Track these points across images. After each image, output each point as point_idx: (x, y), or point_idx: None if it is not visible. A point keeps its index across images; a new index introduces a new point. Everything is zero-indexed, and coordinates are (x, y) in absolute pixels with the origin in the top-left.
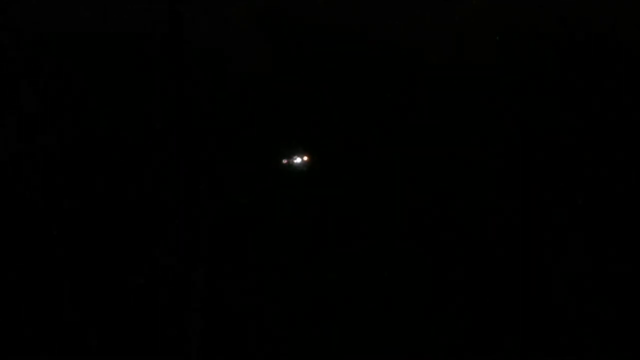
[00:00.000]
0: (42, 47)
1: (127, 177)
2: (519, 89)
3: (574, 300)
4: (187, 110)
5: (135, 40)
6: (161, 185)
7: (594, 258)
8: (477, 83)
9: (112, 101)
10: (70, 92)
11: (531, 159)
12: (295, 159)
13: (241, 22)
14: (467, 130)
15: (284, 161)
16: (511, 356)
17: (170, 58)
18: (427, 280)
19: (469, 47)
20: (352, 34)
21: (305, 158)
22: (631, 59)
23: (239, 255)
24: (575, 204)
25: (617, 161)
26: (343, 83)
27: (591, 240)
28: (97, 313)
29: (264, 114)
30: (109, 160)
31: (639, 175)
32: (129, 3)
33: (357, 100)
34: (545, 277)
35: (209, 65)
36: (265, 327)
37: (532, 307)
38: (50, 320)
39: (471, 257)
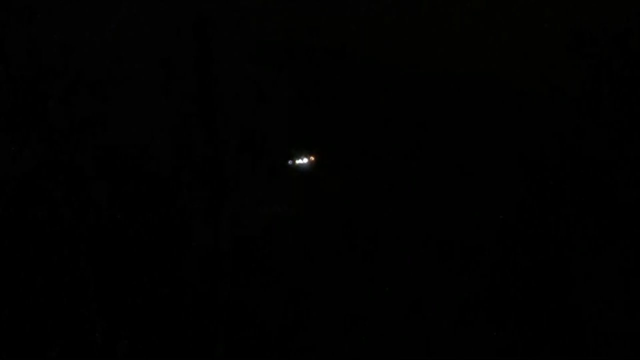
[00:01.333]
0: (65, 61)
1: (151, 190)
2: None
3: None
4: (213, 125)
5: (162, 55)
6: (185, 197)
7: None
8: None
9: (137, 115)
10: (96, 104)
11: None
12: (302, 159)
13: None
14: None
15: (290, 162)
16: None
17: (198, 76)
18: (433, 281)
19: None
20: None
21: (312, 158)
22: None
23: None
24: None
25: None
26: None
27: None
28: (123, 326)
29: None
30: (134, 175)
31: None
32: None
33: (365, 106)
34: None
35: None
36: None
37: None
38: (80, 335)
39: (475, 260)
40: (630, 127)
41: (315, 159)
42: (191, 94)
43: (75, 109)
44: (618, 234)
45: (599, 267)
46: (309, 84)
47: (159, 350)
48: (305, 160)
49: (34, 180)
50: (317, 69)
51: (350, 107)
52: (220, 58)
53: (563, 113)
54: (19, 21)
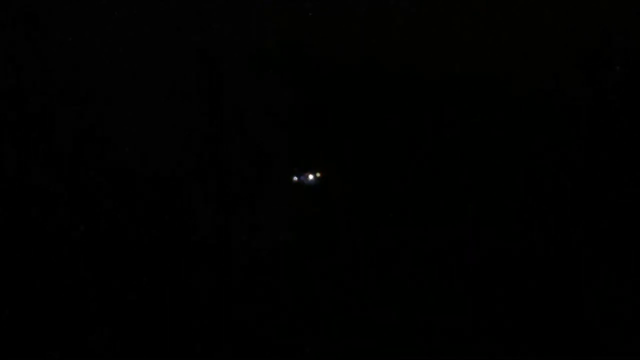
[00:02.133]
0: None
1: (161, 206)
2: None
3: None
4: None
5: (169, 72)
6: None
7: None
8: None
9: (145, 132)
10: (104, 121)
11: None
12: (308, 175)
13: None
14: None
15: (295, 179)
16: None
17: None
18: (443, 292)
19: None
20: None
21: (318, 175)
22: None
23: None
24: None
25: None
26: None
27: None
28: (133, 342)
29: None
30: (143, 191)
31: None
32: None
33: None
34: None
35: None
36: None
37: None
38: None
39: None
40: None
41: (322, 174)
42: (198, 109)
43: (82, 122)
44: (623, 236)
45: (607, 270)
46: (311, 92)
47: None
48: (311, 177)
49: (43, 189)
50: (320, 76)
51: (357, 117)
52: (224, 70)
53: (565, 114)
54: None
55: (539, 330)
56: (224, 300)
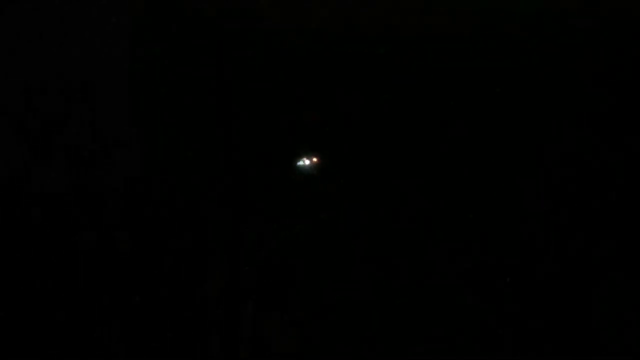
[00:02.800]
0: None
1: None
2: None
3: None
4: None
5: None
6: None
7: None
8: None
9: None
10: (121, 133)
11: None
12: (304, 160)
13: None
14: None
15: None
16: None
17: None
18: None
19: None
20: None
21: (314, 159)
22: None
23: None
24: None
25: None
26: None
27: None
28: (149, 346)
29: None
30: (157, 198)
31: None
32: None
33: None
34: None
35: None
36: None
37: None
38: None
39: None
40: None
41: (318, 160)
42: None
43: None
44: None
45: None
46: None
47: None
48: (306, 162)
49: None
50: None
51: (354, 100)
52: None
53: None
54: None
55: (545, 333)
56: (235, 301)
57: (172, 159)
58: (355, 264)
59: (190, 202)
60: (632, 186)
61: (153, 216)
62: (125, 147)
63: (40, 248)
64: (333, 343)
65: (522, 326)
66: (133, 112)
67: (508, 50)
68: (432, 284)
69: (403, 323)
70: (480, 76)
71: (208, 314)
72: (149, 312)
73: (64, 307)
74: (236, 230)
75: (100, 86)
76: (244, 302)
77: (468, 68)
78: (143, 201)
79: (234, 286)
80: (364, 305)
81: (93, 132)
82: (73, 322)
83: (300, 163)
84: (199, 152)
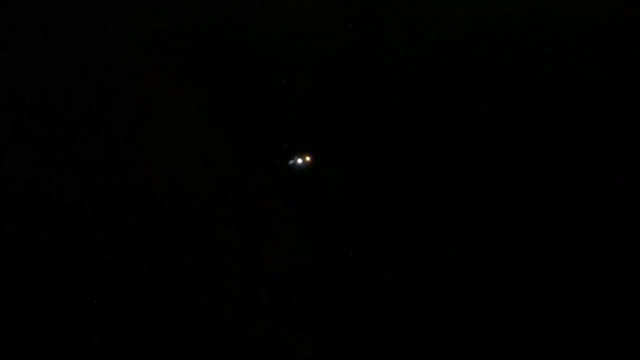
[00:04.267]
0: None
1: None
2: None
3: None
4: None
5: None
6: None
7: None
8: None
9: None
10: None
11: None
12: (297, 159)
13: None
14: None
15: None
16: None
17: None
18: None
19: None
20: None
21: (308, 158)
22: None
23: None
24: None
25: None
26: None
27: None
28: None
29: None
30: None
31: None
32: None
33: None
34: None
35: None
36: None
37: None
38: None
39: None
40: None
41: (313, 157)
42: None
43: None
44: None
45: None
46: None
47: None
48: (300, 161)
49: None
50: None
51: (350, 94)
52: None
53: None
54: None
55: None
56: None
57: (182, 164)
58: (366, 267)
59: (200, 209)
60: (633, 186)
61: (163, 223)
62: (136, 155)
63: (54, 254)
64: (347, 349)
65: (532, 330)
66: (144, 118)
67: (511, 49)
68: (443, 287)
69: (416, 327)
70: (483, 75)
71: (220, 321)
72: (160, 321)
73: (79, 316)
74: (247, 238)
75: (111, 91)
76: (257, 310)
77: (469, 68)
78: (154, 208)
79: (247, 294)
80: (375, 310)
81: (104, 138)
82: (87, 330)
83: (299, 162)
84: (209, 158)
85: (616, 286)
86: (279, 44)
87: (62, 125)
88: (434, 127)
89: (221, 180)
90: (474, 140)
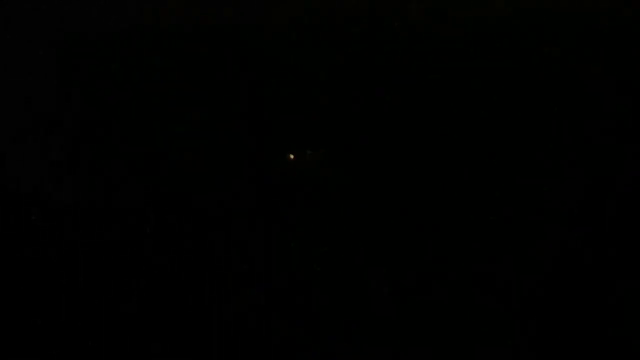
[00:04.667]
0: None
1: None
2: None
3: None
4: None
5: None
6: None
7: None
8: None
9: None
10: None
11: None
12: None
13: None
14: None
15: (291, 156)
16: None
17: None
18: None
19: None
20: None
21: (309, 152)
22: None
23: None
24: None
25: None
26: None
27: None
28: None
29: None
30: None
31: None
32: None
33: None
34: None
35: None
36: None
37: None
38: None
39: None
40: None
41: (316, 152)
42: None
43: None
44: None
45: None
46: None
47: None
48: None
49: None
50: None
51: (355, 89)
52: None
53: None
54: None
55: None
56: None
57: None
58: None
59: (220, 212)
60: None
61: (182, 227)
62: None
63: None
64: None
65: (532, 331)
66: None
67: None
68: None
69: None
70: (486, 74)
71: (238, 326)
72: (179, 324)
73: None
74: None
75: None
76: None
77: (470, 67)
78: (171, 213)
79: (263, 298)
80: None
81: (119, 142)
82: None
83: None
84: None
85: (616, 286)
86: (283, 45)
87: (81, 125)
88: (434, 126)
89: (232, 180)
90: (473, 140)
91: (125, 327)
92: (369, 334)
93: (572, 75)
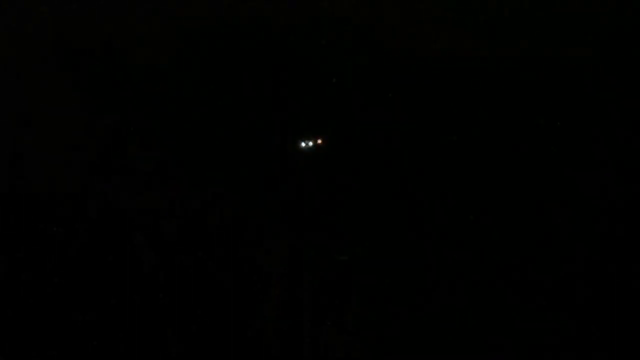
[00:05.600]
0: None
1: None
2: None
3: None
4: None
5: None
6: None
7: None
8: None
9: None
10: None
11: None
12: (307, 143)
13: None
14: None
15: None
16: None
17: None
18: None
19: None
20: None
21: (319, 141)
22: None
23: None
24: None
25: None
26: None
27: None
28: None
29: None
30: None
31: None
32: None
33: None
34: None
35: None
36: None
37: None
38: None
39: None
40: None
41: (323, 141)
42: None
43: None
44: None
45: None
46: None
47: None
48: (310, 144)
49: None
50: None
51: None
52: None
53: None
54: None
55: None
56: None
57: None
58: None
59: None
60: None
61: (209, 230)
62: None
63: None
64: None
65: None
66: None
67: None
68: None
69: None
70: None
71: (266, 327)
72: (207, 325)
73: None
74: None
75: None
76: (302, 314)
77: (469, 68)
78: (198, 217)
79: (292, 298)
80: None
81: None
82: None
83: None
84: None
85: (617, 285)
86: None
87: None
88: (433, 127)
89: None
90: (473, 140)
91: (136, 327)
92: (369, 333)
93: (569, 75)
